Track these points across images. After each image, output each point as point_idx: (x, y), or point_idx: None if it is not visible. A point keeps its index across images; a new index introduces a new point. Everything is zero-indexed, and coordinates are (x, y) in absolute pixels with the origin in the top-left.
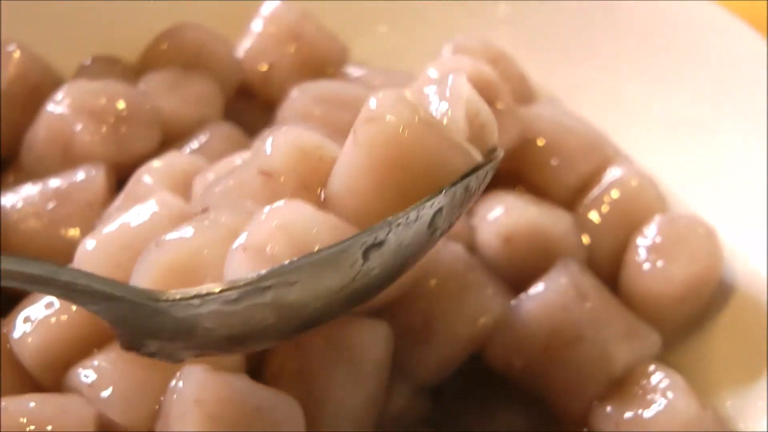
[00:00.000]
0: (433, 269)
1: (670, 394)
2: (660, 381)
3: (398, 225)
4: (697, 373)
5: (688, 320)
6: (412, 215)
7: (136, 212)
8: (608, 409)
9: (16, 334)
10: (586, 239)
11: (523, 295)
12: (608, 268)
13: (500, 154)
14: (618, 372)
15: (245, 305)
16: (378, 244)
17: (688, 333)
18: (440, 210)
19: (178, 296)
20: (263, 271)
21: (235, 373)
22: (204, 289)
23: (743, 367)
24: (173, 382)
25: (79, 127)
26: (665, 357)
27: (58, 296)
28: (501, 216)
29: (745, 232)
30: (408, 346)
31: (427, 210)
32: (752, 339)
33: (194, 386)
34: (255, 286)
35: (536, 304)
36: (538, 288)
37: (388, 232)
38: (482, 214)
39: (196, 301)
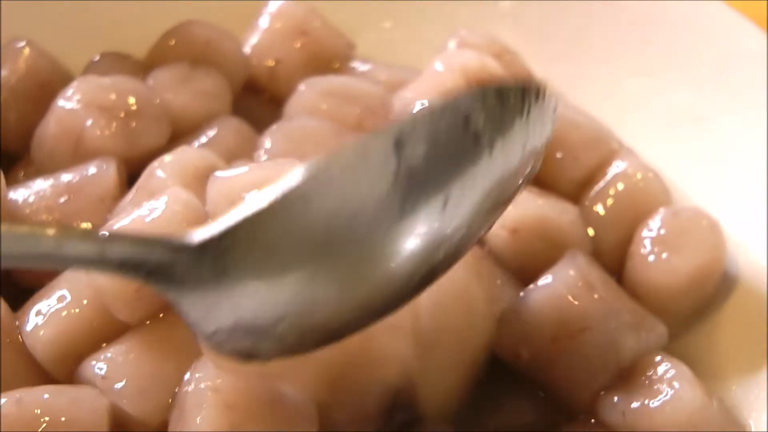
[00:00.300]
0: None
1: (676, 384)
2: (666, 371)
3: (423, 118)
4: (703, 364)
5: (693, 311)
6: (435, 112)
7: (149, 207)
8: (615, 399)
9: (29, 327)
10: (591, 232)
11: (531, 286)
12: (613, 260)
13: (545, 85)
14: (625, 362)
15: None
16: (405, 140)
17: (693, 324)
18: (470, 116)
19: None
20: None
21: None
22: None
23: (748, 357)
24: (189, 373)
25: (89, 122)
26: (670, 347)
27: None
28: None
29: (748, 223)
30: None
31: (451, 108)
32: (756, 329)
33: (212, 376)
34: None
35: (544, 295)
36: (546, 279)
37: (413, 126)
38: None
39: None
